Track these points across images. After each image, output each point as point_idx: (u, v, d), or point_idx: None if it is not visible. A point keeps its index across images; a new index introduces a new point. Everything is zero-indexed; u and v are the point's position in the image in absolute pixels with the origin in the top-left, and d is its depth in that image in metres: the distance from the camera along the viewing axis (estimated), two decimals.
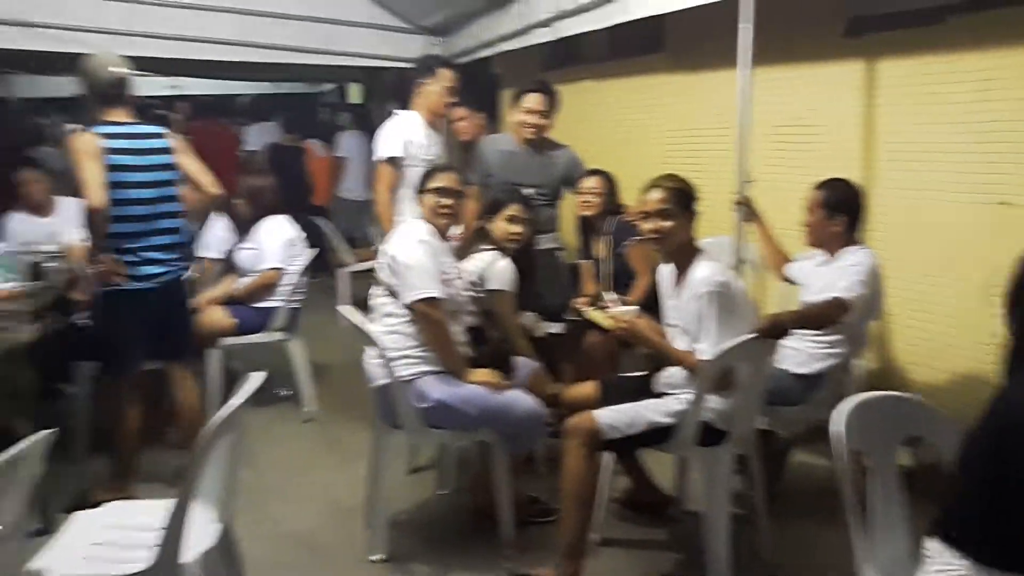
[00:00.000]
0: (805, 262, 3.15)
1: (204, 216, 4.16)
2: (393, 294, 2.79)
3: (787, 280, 3.27)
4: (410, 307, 2.73)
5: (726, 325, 2.43)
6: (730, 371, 2.50)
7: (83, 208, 2.98)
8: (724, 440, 2.53)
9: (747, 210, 3.32)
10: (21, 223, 4.41)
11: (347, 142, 7.75)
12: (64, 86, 7.29)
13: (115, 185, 2.94)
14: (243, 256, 4.14)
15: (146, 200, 3.05)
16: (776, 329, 2.50)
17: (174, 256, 3.17)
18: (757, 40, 3.15)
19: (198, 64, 5.42)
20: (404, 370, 2.72)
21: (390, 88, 6.15)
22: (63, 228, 4.11)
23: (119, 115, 3.04)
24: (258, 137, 7.68)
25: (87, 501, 2.66)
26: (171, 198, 3.14)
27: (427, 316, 2.72)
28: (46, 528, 2.58)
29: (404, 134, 3.71)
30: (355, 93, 8.90)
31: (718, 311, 2.43)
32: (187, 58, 5.16)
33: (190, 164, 3.21)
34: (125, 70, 3.07)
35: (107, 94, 3.04)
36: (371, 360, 2.79)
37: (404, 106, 3.86)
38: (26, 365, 3.00)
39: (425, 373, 2.74)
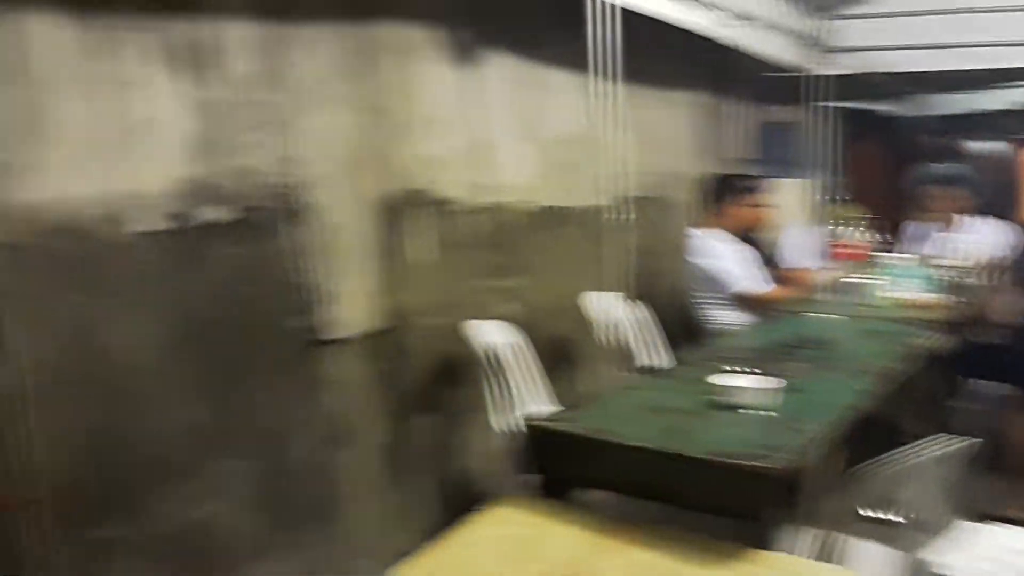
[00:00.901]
0: None
1: None
2: None
3: None
4: None
5: None
6: None
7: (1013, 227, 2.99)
8: None
9: None
10: (927, 236, 4.59)
11: None
12: (956, 103, 7.31)
13: None
14: None
15: None
16: None
17: None
18: None
19: None
20: None
21: None
22: (975, 245, 4.16)
23: None
24: None
25: (987, 514, 2.67)
26: None
27: None
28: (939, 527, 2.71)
29: None
30: None
31: None
32: None
33: None
34: None
35: None
36: None
37: None
38: (937, 373, 3.18)
39: None
